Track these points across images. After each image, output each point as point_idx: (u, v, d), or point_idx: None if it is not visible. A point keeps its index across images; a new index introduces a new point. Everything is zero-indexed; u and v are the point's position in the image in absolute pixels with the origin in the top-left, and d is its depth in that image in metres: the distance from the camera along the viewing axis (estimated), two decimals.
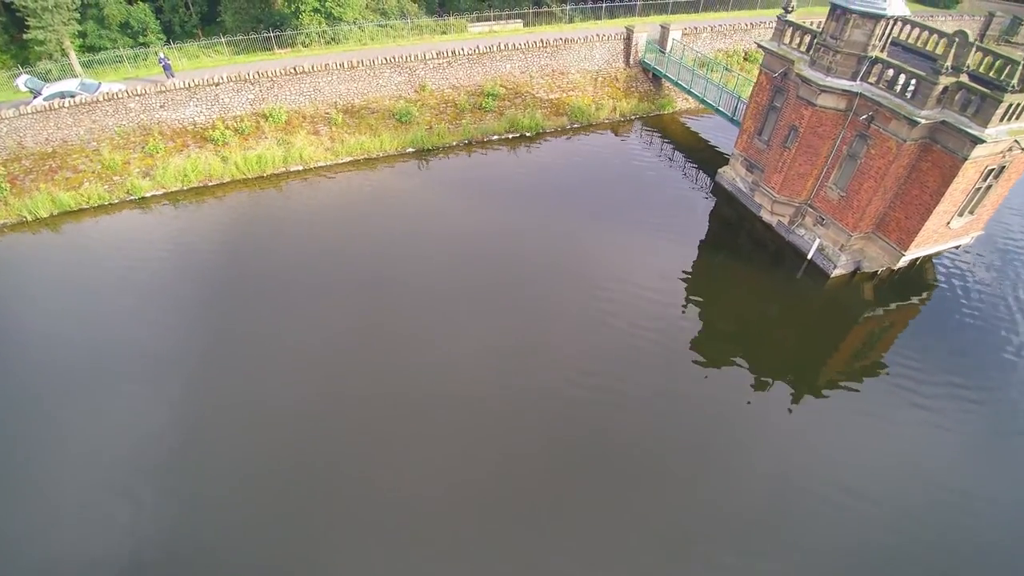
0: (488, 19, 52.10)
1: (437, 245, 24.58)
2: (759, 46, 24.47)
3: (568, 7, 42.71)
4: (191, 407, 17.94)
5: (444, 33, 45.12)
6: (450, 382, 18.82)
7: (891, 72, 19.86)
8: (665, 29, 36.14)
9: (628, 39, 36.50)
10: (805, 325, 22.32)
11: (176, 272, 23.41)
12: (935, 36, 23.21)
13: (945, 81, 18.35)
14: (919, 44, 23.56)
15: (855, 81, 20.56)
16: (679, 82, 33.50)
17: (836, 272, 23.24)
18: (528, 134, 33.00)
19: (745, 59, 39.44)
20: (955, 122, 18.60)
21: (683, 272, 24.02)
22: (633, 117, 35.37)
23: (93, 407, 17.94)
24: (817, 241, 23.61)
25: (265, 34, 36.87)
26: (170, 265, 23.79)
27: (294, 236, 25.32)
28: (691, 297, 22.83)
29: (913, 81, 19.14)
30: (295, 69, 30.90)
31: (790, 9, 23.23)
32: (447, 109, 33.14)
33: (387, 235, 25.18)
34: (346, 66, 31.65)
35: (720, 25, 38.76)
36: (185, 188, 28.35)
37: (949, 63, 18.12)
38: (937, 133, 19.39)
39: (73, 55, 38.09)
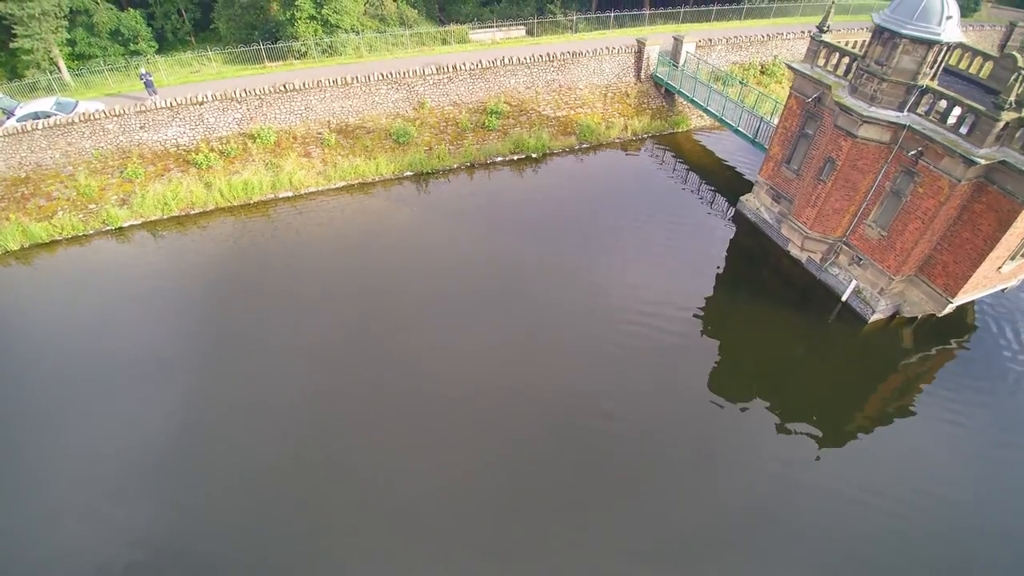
0: (491, 27, 50.18)
1: (436, 280, 22.59)
2: (789, 67, 22.45)
3: (576, 18, 40.67)
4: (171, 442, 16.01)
5: (445, 42, 43.13)
6: (452, 430, 17.29)
7: (944, 104, 17.86)
8: (678, 41, 34.12)
9: (639, 52, 34.45)
10: (836, 369, 20.39)
11: (154, 311, 21.41)
12: (979, 58, 21.23)
13: (1007, 117, 16.36)
14: (962, 67, 21.55)
15: (902, 112, 18.56)
16: (695, 99, 31.47)
17: (874, 318, 21.26)
18: (534, 155, 30.94)
19: (762, 72, 37.42)
20: (1017, 163, 16.61)
21: (699, 306, 22.25)
22: (645, 136, 33.33)
23: (52, 452, 16.06)
24: (853, 283, 21.62)
25: (256, 47, 34.87)
26: (148, 303, 21.76)
27: (282, 270, 23.30)
28: (710, 331, 21.25)
29: (970, 115, 17.14)
30: (285, 86, 28.82)
31: (825, 29, 21.20)
32: (448, 128, 31.07)
33: (382, 270, 23.20)
34: (340, 82, 29.57)
35: (736, 37, 36.71)
36: (165, 217, 26.27)
37: (1013, 97, 16.12)
38: (994, 173, 17.41)
39: (62, 64, 36.24)
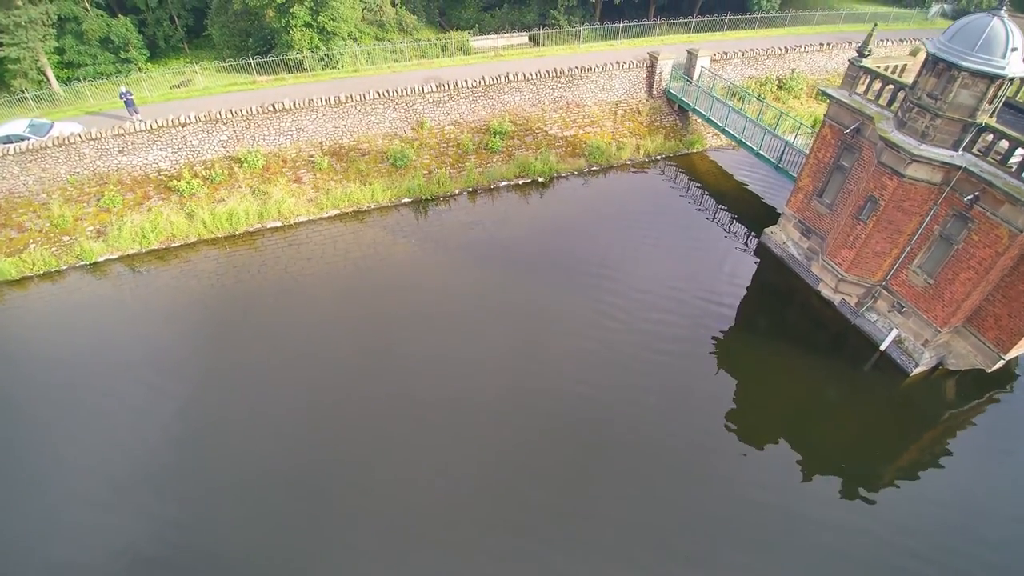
0: (492, 33, 48.24)
1: (436, 326, 20.70)
2: (825, 94, 20.51)
3: (583, 29, 38.69)
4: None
5: (445, 49, 41.12)
6: (453, 488, 15.80)
7: (1005, 144, 15.94)
8: (692, 55, 32.16)
9: (651, 67, 32.49)
10: (869, 420, 18.66)
11: (130, 358, 19.59)
12: None
13: None
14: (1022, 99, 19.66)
15: (956, 151, 16.63)
16: (712, 119, 29.51)
17: (917, 371, 19.36)
18: (541, 179, 28.99)
19: (779, 87, 35.45)
20: None
21: (719, 344, 20.76)
22: (658, 157, 31.37)
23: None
24: (894, 332, 19.72)
25: (248, 59, 32.91)
26: (124, 349, 19.93)
27: (268, 313, 21.42)
28: (731, 368, 19.85)
29: None
30: (275, 106, 26.85)
31: (866, 53, 19.24)
32: (448, 150, 29.11)
33: (377, 314, 21.33)
34: (333, 101, 27.62)
35: (752, 50, 34.72)
36: (144, 251, 24.31)
37: None
38: None
39: (51, 73, 34.43)
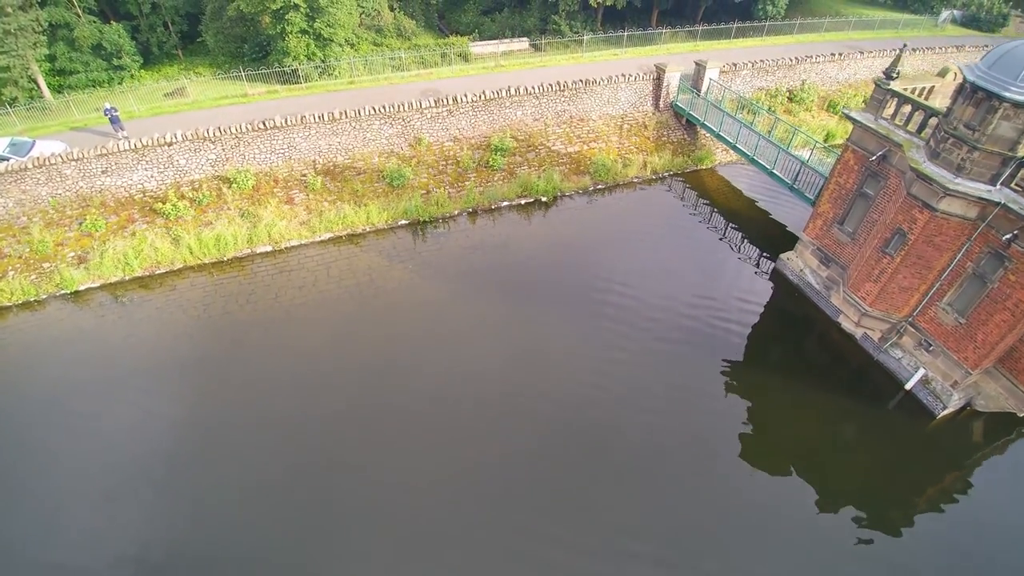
0: (492, 38, 47.10)
1: (435, 360, 19.56)
2: (848, 118, 19.32)
3: (586, 38, 37.46)
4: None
5: (444, 55, 39.93)
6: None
7: None
8: (700, 67, 30.96)
9: (658, 79, 31.29)
10: (889, 458, 17.57)
11: (110, 395, 18.48)
12: None
13: None
14: None
15: (994, 186, 15.46)
16: (722, 134, 28.30)
17: (944, 413, 18.22)
18: (544, 199, 27.78)
19: (790, 100, 34.26)
20: None
21: (731, 372, 19.74)
22: (666, 174, 30.17)
23: None
24: (921, 372, 18.57)
25: (238, 70, 31.70)
26: (105, 386, 18.77)
27: (256, 346, 20.26)
28: (744, 396, 19.00)
29: None
30: (265, 123, 25.62)
31: (895, 75, 18.03)
32: (447, 168, 27.90)
33: (372, 348, 20.16)
34: (327, 118, 26.40)
35: (762, 61, 33.54)
36: (127, 278, 23.08)
37: None
38: None
39: (42, 81, 33.33)
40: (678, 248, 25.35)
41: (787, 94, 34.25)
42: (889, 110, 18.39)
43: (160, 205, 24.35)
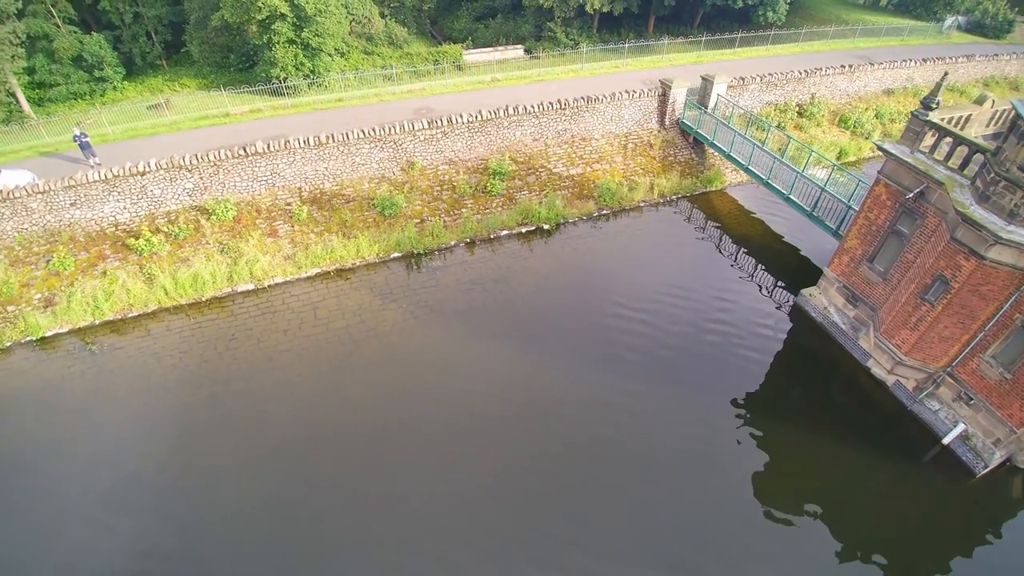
0: (486, 46, 45.50)
1: (431, 415, 17.95)
2: (880, 149, 17.81)
3: (585, 48, 35.82)
4: None
5: (437, 63, 38.30)
6: None
7: None
8: (707, 82, 29.41)
9: (663, 95, 29.74)
10: (922, 516, 16.39)
11: (77, 457, 16.71)
12: None
13: None
14: None
15: None
16: (733, 156, 26.78)
17: (984, 472, 16.79)
18: (546, 226, 26.13)
19: (800, 115, 32.81)
20: None
21: (747, 410, 18.44)
22: (674, 197, 28.61)
23: None
24: (960, 427, 17.11)
25: (227, 78, 30.01)
26: (71, 446, 16.97)
27: (236, 400, 18.50)
28: (761, 438, 17.86)
29: None
30: (246, 150, 23.83)
31: (934, 105, 16.49)
32: (442, 194, 26.19)
33: (362, 396, 18.52)
34: (313, 142, 24.63)
35: (770, 75, 32.05)
36: (97, 323, 21.25)
37: None
38: None
39: (20, 95, 31.62)
40: (689, 278, 23.76)
41: (797, 109, 32.81)
42: (927, 143, 16.87)
43: (133, 240, 22.52)
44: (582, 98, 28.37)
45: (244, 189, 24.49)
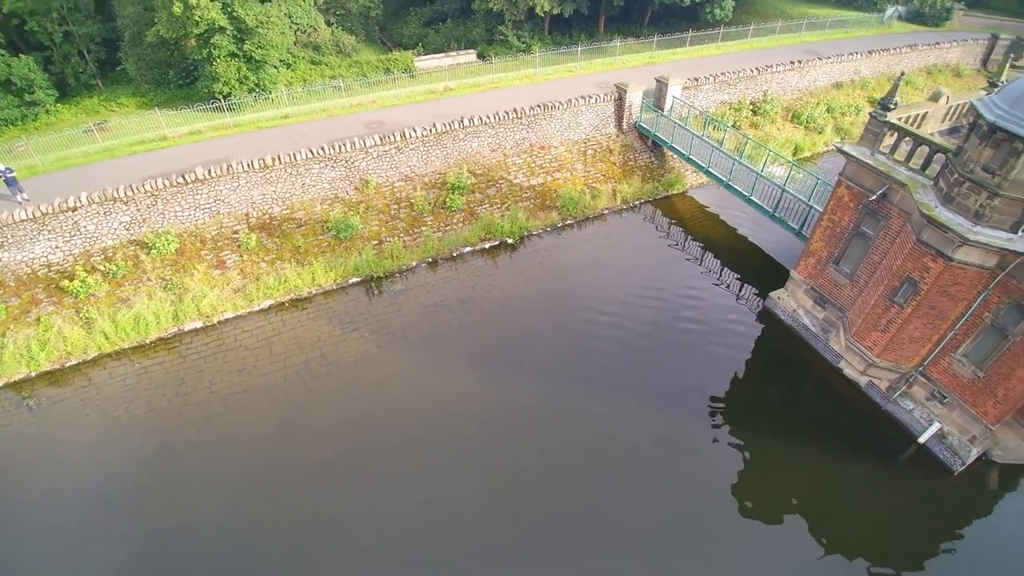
0: (438, 52, 44.53)
1: (398, 449, 17.05)
2: (841, 152, 17.66)
3: (538, 52, 35.15)
4: None
5: (388, 71, 37.11)
6: None
7: None
8: (662, 85, 29.17)
9: (619, 100, 29.35)
10: (902, 514, 16.39)
11: (18, 525, 15.21)
12: None
13: None
14: None
15: (1016, 234, 13.96)
16: (693, 159, 26.55)
17: (962, 469, 16.83)
18: (510, 240, 25.39)
19: (754, 112, 32.92)
20: None
21: (717, 418, 18.10)
22: (638, 202, 28.25)
23: None
24: (936, 426, 17.13)
25: (166, 94, 28.26)
26: (6, 515, 15.42)
27: (188, 453, 17.21)
28: (736, 439, 17.92)
29: None
30: (185, 177, 22.37)
31: (892, 106, 16.39)
32: (400, 212, 25.18)
33: (325, 437, 17.46)
34: (258, 165, 23.33)
35: (723, 74, 32.04)
36: (34, 374, 19.56)
37: None
38: None
39: None
40: (658, 284, 23.41)
41: (751, 107, 32.91)
42: (887, 143, 16.78)
43: (67, 282, 20.82)
44: (538, 105, 27.74)
45: (186, 219, 23.00)
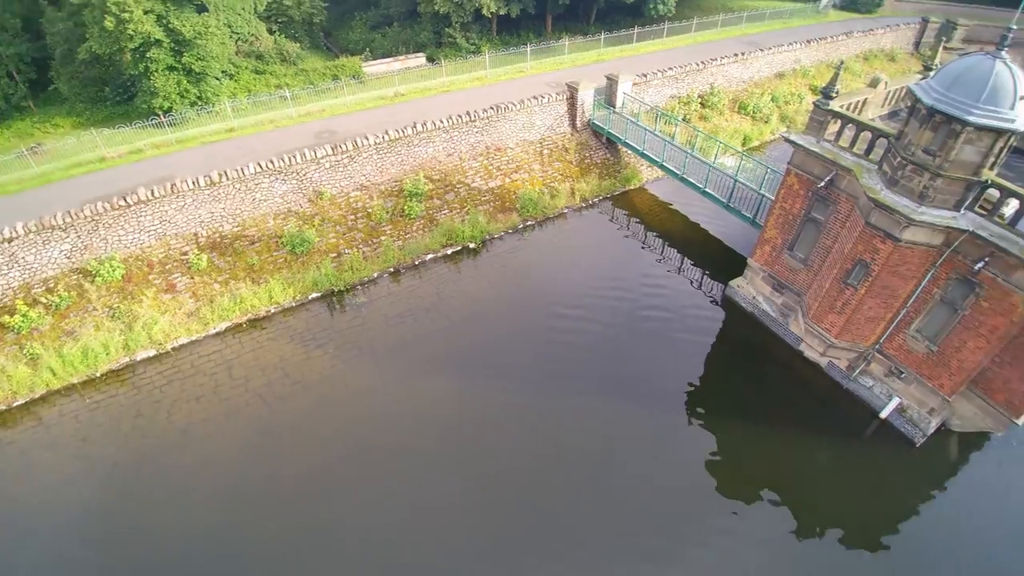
0: (386, 56, 43.93)
1: (371, 462, 16.74)
2: (788, 141, 18.07)
3: (488, 54, 34.95)
4: None
5: (336, 78, 36.38)
6: None
7: (1015, 203, 13.96)
8: (612, 82, 29.43)
9: (572, 98, 29.46)
10: (867, 483, 17.12)
11: None
12: None
13: None
14: None
15: (959, 211, 14.53)
16: (647, 153, 26.85)
17: (924, 441, 17.47)
18: (472, 245, 25.17)
19: (703, 105, 33.53)
20: None
21: (685, 402, 18.93)
22: (596, 199, 28.42)
23: None
24: (896, 400, 17.73)
25: (102, 111, 26.92)
26: None
27: (152, 484, 16.48)
28: (705, 426, 18.44)
29: None
30: (127, 200, 21.39)
31: (834, 94, 16.85)
32: (357, 223, 24.66)
33: (293, 460, 16.96)
34: (204, 182, 22.51)
35: (671, 68, 32.52)
36: None
37: None
38: None
39: None
40: (620, 279, 23.59)
41: (699, 100, 33.51)
42: (831, 131, 17.26)
43: (8, 318, 19.62)
44: (492, 107, 27.59)
45: (131, 243, 22.00)
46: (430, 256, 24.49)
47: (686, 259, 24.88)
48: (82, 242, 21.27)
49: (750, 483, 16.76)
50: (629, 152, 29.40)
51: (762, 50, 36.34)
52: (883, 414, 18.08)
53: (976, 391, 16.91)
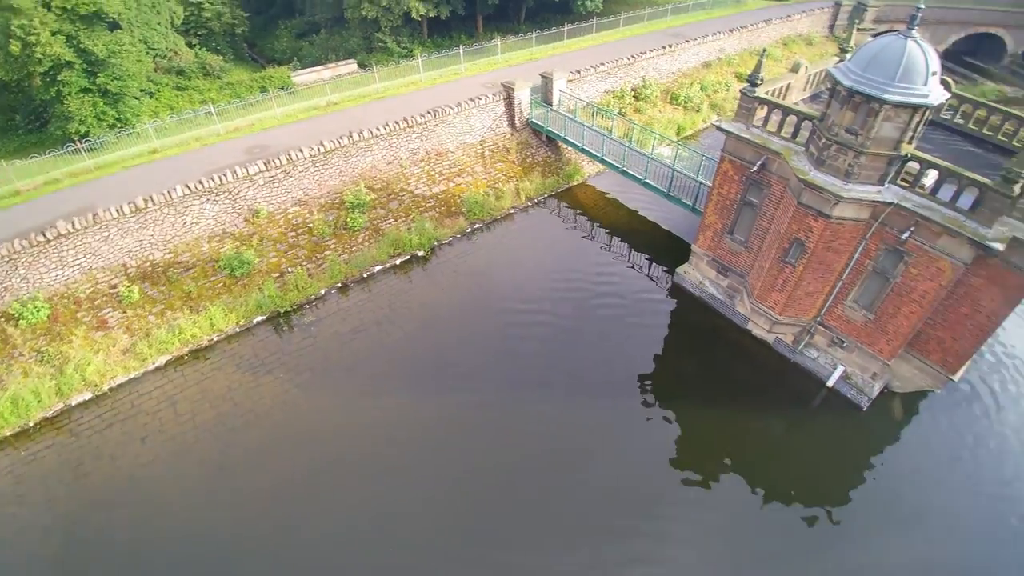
0: (316, 64, 42.89)
1: (333, 488, 16.28)
2: (719, 129, 18.59)
3: (420, 57, 34.51)
4: None
5: (264, 91, 35.14)
6: None
7: (934, 174, 14.79)
8: (548, 80, 29.59)
9: (509, 99, 29.45)
10: (820, 451, 18.08)
11: None
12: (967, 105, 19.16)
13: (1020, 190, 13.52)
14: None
15: (883, 186, 15.28)
16: (587, 149, 27.15)
17: (869, 405, 18.34)
18: (420, 252, 24.81)
19: (636, 98, 34.16)
20: None
21: (643, 390, 19.47)
22: (542, 198, 28.52)
23: None
24: (840, 369, 18.54)
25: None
26: None
27: (101, 537, 15.52)
28: (666, 417, 18.75)
29: (971, 188, 14.15)
30: (45, 234, 20.01)
31: (759, 81, 17.43)
32: (299, 240, 23.91)
33: (252, 491, 16.34)
34: (128, 210, 21.32)
35: (603, 64, 32.99)
36: None
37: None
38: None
39: None
40: (570, 275, 23.80)
41: (632, 93, 34.12)
42: (759, 116, 17.84)
43: None
44: (429, 112, 27.27)
45: (54, 280, 20.59)
46: (378, 268, 23.99)
47: (633, 250, 25.31)
48: (1, 284, 19.76)
49: (711, 457, 17.43)
50: (570, 148, 29.66)
51: (688, 41, 37.33)
52: (830, 383, 18.88)
53: (913, 353, 17.87)
